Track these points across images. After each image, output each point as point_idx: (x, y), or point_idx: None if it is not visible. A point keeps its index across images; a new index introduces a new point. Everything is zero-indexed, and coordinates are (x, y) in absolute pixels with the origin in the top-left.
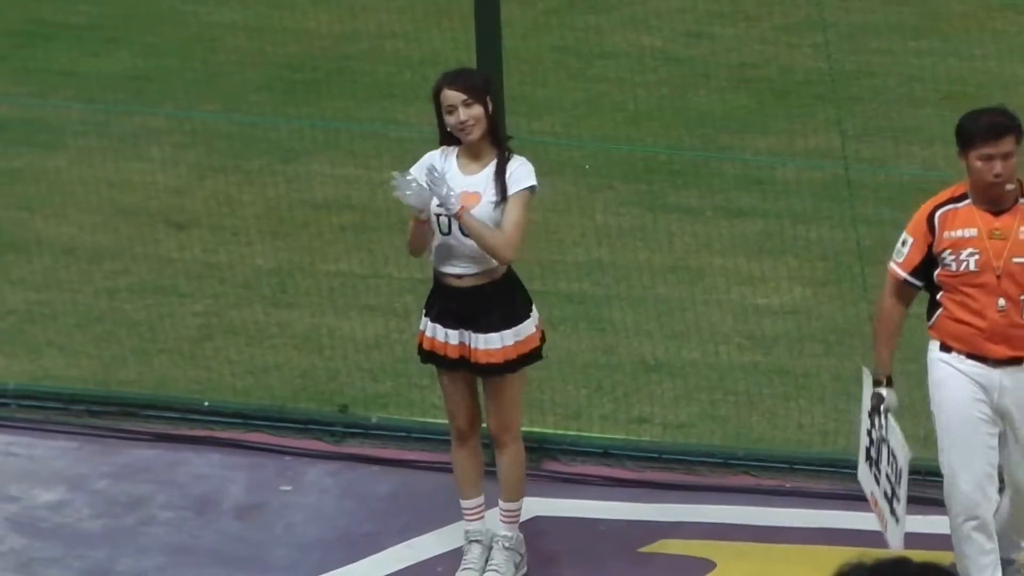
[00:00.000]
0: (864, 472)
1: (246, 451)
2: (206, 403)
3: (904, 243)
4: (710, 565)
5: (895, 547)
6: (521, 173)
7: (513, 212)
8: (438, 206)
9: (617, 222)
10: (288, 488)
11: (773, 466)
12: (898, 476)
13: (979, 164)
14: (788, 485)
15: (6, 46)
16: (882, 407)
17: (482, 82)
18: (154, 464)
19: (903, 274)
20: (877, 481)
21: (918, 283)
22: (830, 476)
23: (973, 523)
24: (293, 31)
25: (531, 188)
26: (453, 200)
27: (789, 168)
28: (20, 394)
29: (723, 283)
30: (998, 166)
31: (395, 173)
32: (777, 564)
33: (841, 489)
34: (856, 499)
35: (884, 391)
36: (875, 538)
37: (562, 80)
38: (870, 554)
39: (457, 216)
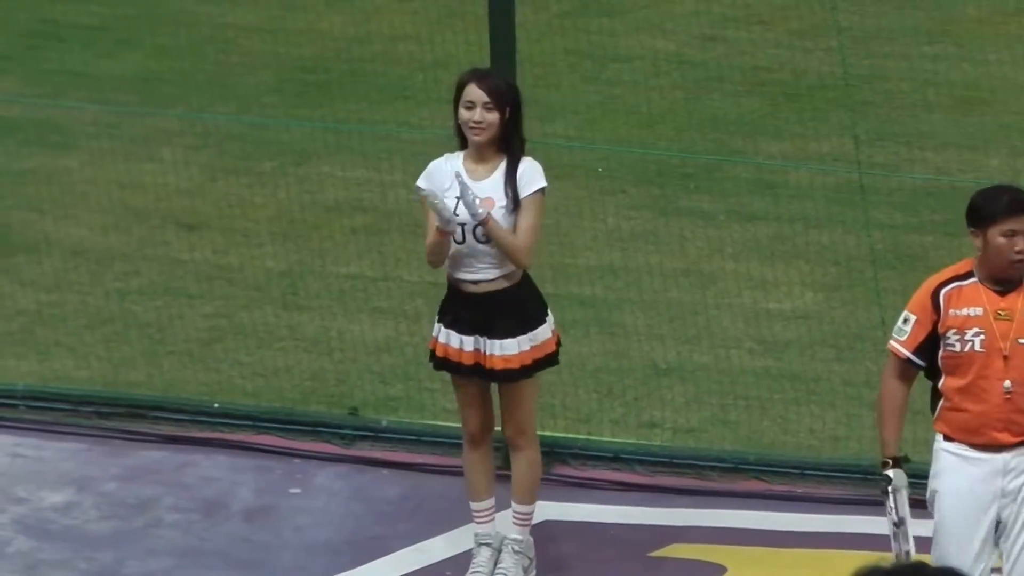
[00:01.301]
0: None
1: (255, 453)
2: (215, 405)
3: (906, 321)
4: (720, 570)
5: None
6: (531, 175)
7: (527, 216)
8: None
9: (629, 226)
10: (297, 491)
11: (784, 471)
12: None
13: (1001, 241)
14: (799, 490)
15: (18, 47)
16: (890, 488)
17: (507, 89)
18: (163, 466)
19: (907, 353)
20: None
21: (921, 363)
22: (841, 481)
23: None
24: (306, 33)
25: (542, 190)
26: (480, 208)
27: (802, 172)
28: (29, 395)
29: (735, 287)
30: (1020, 242)
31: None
32: (788, 569)
33: (852, 494)
34: (867, 504)
35: (891, 472)
36: (886, 543)
37: (575, 83)
38: (887, 558)
39: (484, 222)
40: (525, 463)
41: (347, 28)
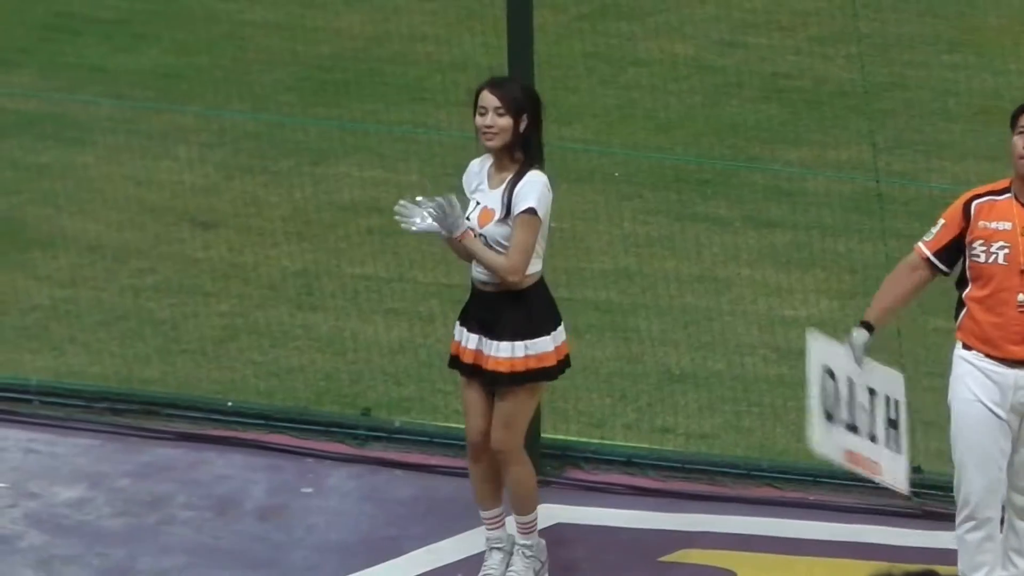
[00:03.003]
0: (825, 434)
1: (268, 452)
2: (229, 403)
3: (937, 225)
4: None
5: (900, 485)
6: (526, 192)
7: (516, 235)
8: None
9: (645, 231)
10: (310, 490)
11: (796, 478)
12: (895, 407)
13: (1016, 140)
14: (811, 497)
15: (34, 40)
16: (847, 341)
17: (521, 96)
18: (176, 463)
19: (927, 252)
20: (855, 430)
21: (940, 266)
22: (854, 489)
23: (974, 523)
24: (324, 31)
25: (530, 210)
26: (460, 224)
27: (820, 180)
28: (43, 390)
29: (750, 294)
30: None
31: (403, 202)
32: None
33: (865, 503)
34: (879, 513)
35: (855, 330)
36: (897, 552)
37: (593, 87)
38: (898, 566)
39: (458, 240)
40: (513, 480)
41: (365, 27)
